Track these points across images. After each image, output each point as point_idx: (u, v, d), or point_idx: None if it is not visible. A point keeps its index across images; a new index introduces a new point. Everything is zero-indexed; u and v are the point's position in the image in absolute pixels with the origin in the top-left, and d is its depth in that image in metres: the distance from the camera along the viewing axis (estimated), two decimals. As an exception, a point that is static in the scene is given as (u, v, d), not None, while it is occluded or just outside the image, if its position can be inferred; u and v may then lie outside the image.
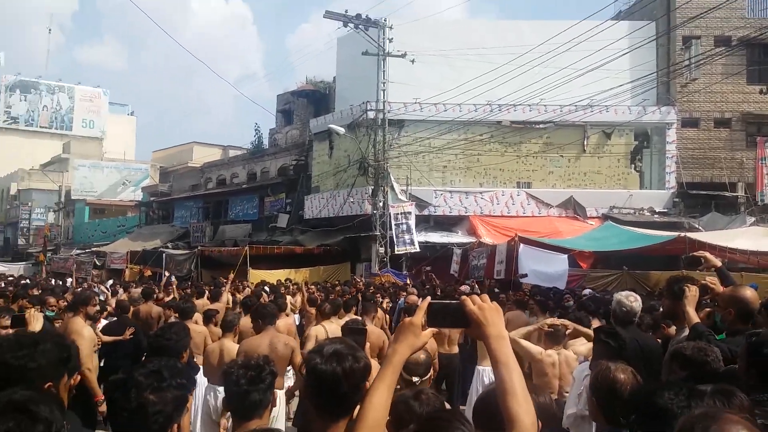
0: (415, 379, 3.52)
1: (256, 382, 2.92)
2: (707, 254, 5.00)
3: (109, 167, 53.63)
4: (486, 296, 2.03)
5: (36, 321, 4.41)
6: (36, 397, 1.80)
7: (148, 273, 26.65)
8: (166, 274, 20.95)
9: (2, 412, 1.72)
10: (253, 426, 2.85)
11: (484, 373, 7.58)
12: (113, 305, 11.06)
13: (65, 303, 10.84)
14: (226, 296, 10.70)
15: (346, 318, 8.38)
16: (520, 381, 1.89)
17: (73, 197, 49.94)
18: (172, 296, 12.77)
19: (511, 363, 1.91)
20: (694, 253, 5.24)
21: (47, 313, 8.20)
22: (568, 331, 6.10)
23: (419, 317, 2.00)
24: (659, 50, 25.05)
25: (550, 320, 6.19)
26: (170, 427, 2.06)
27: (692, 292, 4.31)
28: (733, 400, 2.40)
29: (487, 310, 1.95)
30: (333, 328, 7.22)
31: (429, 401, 2.80)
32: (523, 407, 1.84)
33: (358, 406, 2.04)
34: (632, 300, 5.32)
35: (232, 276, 13.16)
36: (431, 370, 3.67)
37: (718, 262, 4.91)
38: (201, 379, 6.55)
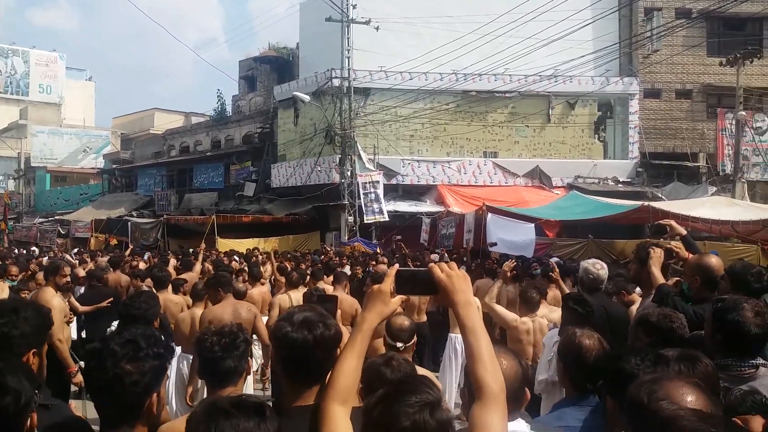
0: (399, 344, 3.56)
1: (230, 349, 2.91)
2: (672, 222, 5.11)
3: (68, 134, 52.24)
4: (454, 264, 2.04)
5: (1, 291, 4.30)
6: (3, 368, 1.72)
7: (114, 242, 26.31)
8: (130, 246, 20.70)
9: None
10: (228, 393, 2.79)
11: (456, 340, 7.69)
12: (80, 274, 10.93)
13: (29, 273, 10.66)
14: (199, 266, 10.64)
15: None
16: (488, 347, 1.90)
17: (32, 164, 48.62)
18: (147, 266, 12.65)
19: (479, 329, 1.91)
20: (660, 221, 5.36)
21: (9, 283, 8.05)
22: (554, 275, 6.30)
23: (388, 284, 1.98)
24: (621, 21, 25.27)
25: (506, 264, 6.32)
26: (149, 396, 1.99)
27: (657, 254, 4.44)
28: (698, 365, 2.49)
29: (455, 277, 1.95)
30: (298, 296, 7.25)
31: (400, 367, 2.84)
32: (490, 373, 1.85)
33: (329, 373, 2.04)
34: (599, 267, 5.47)
35: (203, 246, 13.07)
36: (414, 336, 3.74)
37: (683, 231, 5.02)
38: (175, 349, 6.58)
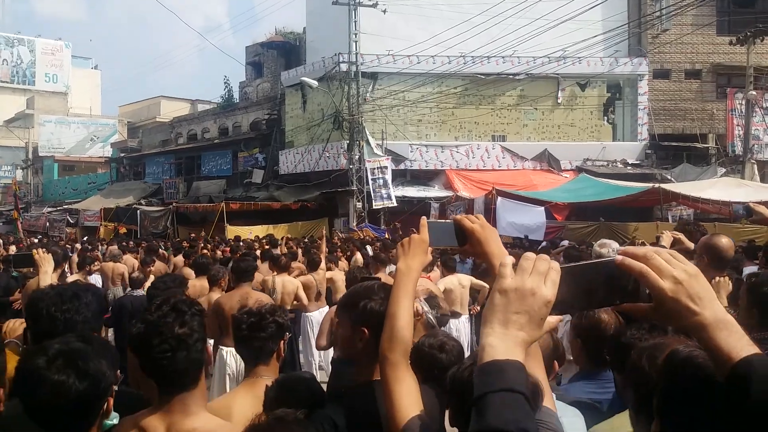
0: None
1: (256, 329, 2.99)
2: (763, 208, 5.12)
3: (75, 123, 52.34)
4: (481, 216, 1.97)
5: (47, 262, 4.08)
6: (86, 351, 1.70)
7: (123, 230, 26.44)
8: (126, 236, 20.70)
9: (50, 361, 1.64)
10: (261, 371, 2.95)
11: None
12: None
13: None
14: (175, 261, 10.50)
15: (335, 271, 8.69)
16: None
17: (40, 154, 48.83)
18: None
19: None
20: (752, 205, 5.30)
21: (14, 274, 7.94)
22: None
23: (426, 234, 1.90)
24: (630, 1, 25.02)
25: None
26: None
27: (667, 236, 4.51)
28: None
29: (488, 229, 1.86)
30: (283, 279, 7.69)
31: (453, 351, 2.81)
32: None
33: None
34: (612, 248, 5.48)
35: (203, 234, 12.97)
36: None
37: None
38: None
